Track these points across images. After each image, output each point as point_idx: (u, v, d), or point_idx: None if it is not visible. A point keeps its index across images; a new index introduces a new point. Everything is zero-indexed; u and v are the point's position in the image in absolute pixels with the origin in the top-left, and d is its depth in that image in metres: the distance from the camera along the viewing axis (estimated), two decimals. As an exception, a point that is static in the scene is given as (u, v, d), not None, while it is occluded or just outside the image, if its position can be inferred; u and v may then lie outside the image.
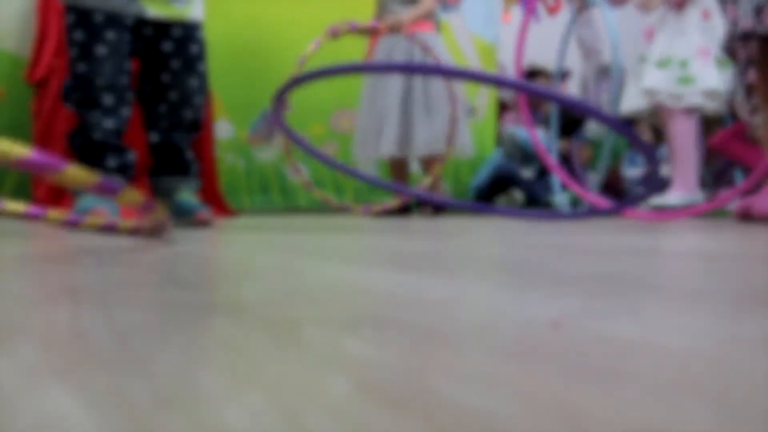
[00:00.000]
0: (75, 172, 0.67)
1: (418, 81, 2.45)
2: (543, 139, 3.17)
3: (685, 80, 2.31)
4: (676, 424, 0.17)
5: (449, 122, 2.39)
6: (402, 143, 2.43)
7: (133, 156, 1.47)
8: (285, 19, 2.94)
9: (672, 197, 2.32)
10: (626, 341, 0.28)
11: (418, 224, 1.72)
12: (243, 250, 0.86)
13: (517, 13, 3.73)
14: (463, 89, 2.66)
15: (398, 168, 2.56)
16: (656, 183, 1.96)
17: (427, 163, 2.53)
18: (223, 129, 2.88)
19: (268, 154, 2.99)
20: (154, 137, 1.52)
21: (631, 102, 2.50)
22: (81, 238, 1.09)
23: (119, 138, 1.44)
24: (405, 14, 2.43)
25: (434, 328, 0.31)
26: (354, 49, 2.69)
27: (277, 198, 2.98)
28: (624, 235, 1.18)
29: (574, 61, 3.85)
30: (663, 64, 2.34)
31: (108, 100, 1.39)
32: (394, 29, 2.42)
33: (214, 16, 2.84)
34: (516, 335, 0.30)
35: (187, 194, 1.54)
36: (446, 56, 2.53)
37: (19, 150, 0.61)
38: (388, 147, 2.42)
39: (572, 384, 0.21)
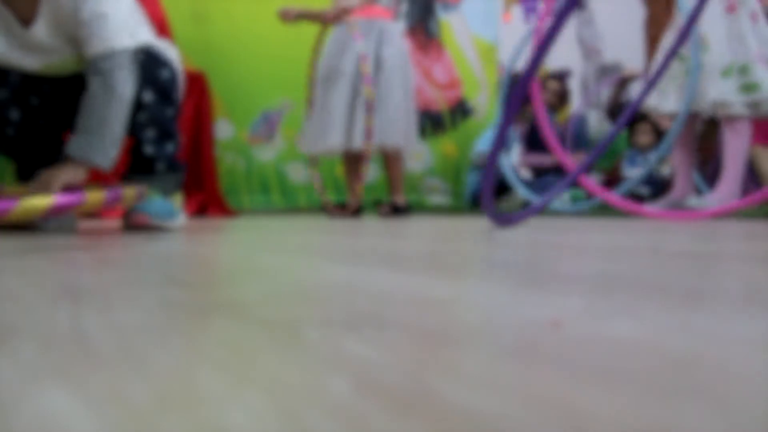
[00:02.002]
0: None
1: (380, 71, 2.38)
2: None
3: (749, 87, 2.21)
4: (676, 424, 0.17)
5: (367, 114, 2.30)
6: (347, 137, 2.33)
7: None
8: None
9: (710, 199, 2.29)
10: (626, 341, 0.28)
11: (418, 226, 1.72)
12: (243, 250, 0.86)
13: (517, 13, 3.73)
14: (414, 84, 2.60)
15: (351, 164, 2.48)
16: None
17: (387, 158, 2.46)
18: (223, 129, 2.88)
19: (268, 154, 2.99)
20: None
21: (669, 104, 2.39)
22: (81, 238, 1.09)
23: (36, 140, 1.34)
24: (350, 1, 2.35)
25: (434, 328, 0.31)
26: (309, 35, 2.66)
27: (277, 198, 2.98)
28: (624, 235, 1.18)
29: (574, 61, 3.86)
30: (727, 72, 2.22)
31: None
32: (339, 18, 2.34)
33: (214, 15, 2.84)
34: (516, 335, 0.30)
35: (150, 193, 1.32)
36: (401, 45, 2.44)
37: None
38: (333, 141, 2.32)
39: (572, 384, 0.21)
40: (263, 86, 2.95)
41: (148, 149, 1.33)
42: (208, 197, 2.50)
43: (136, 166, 1.35)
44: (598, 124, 3.77)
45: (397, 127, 2.35)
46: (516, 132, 3.16)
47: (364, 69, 2.27)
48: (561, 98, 3.50)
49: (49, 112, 1.39)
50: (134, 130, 1.33)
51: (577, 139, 3.45)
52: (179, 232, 1.26)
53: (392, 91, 2.36)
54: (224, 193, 2.69)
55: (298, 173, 3.01)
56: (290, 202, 3.00)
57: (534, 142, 3.28)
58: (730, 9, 2.24)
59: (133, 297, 0.42)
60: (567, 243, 0.95)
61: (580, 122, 3.51)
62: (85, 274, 0.56)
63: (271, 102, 2.98)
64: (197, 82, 2.47)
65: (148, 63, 1.30)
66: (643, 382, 0.21)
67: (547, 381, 0.21)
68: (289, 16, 2.42)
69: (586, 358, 0.25)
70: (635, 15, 3.84)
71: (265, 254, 0.78)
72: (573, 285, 0.48)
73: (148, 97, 1.31)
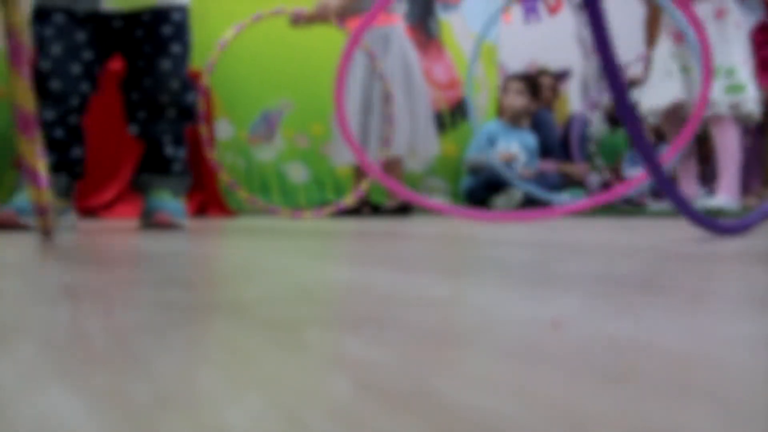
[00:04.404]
0: None
1: (378, 82, 2.35)
2: (523, 159, 3.12)
3: (735, 89, 2.29)
4: (676, 424, 0.17)
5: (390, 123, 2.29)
6: (364, 148, 2.33)
7: (79, 152, 1.39)
8: (286, 17, 2.94)
9: (718, 200, 2.35)
10: (626, 341, 0.28)
11: (417, 226, 1.72)
12: (243, 251, 0.86)
13: (517, 13, 3.73)
14: (430, 90, 2.59)
15: (360, 172, 2.48)
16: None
17: (387, 166, 2.44)
18: (223, 129, 2.88)
19: (268, 154, 2.99)
20: (134, 129, 1.43)
21: (655, 100, 2.46)
22: (82, 238, 1.09)
23: (67, 130, 1.35)
24: (332, 1, 2.29)
25: (434, 328, 0.31)
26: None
27: (277, 198, 2.98)
28: (624, 235, 1.18)
29: (574, 60, 3.86)
30: (713, 74, 2.32)
31: (55, 84, 1.33)
32: (320, 17, 2.28)
33: (215, 15, 2.84)
34: (516, 335, 0.30)
35: (164, 194, 1.40)
36: (404, 47, 2.41)
37: None
38: (350, 155, 2.34)
39: (572, 384, 0.21)
40: (263, 86, 2.95)
41: (169, 150, 1.43)
42: (207, 197, 2.50)
43: (153, 165, 1.43)
44: (598, 125, 3.77)
45: (402, 136, 2.33)
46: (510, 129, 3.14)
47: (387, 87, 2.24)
48: (555, 93, 3.50)
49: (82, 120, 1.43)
50: (152, 134, 1.42)
51: (581, 142, 3.45)
52: (179, 232, 1.26)
53: (394, 100, 2.33)
54: (224, 193, 2.69)
55: (298, 173, 3.01)
56: (290, 202, 3.00)
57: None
58: (719, 14, 2.32)
59: (133, 297, 0.42)
60: (567, 243, 0.95)
61: (583, 125, 3.51)
62: (85, 274, 0.56)
63: (271, 102, 2.98)
64: (197, 82, 2.47)
65: (178, 88, 1.41)
66: (643, 382, 0.21)
67: (547, 381, 0.21)
68: (300, 19, 2.37)
69: (586, 358, 0.25)
70: (635, 15, 3.84)
71: (265, 254, 0.78)
72: (573, 285, 0.48)
73: (171, 113, 1.43)
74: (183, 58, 1.44)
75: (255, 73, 2.93)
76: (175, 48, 1.42)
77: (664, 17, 2.50)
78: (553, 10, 3.82)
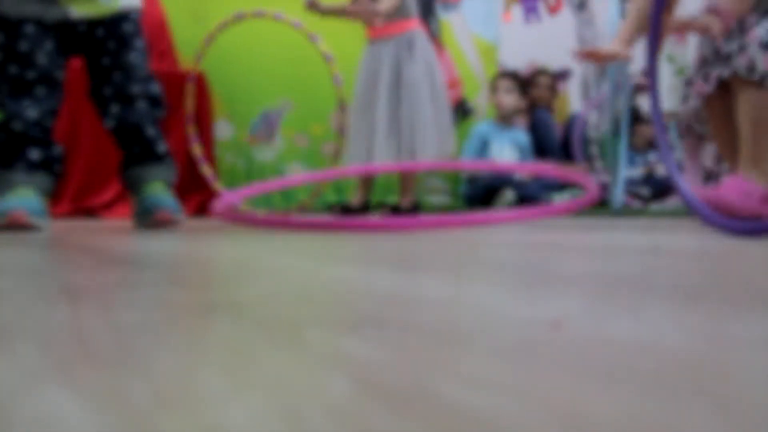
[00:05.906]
0: None
1: (405, 89, 2.34)
2: (516, 158, 3.11)
3: None
4: (676, 424, 0.17)
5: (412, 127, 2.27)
6: (395, 156, 2.31)
7: (59, 150, 1.41)
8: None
9: None
10: (626, 341, 0.28)
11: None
12: (243, 251, 0.86)
13: (517, 13, 3.72)
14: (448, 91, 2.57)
15: (365, 179, 2.47)
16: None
17: (404, 172, 2.44)
18: (223, 129, 2.88)
19: (268, 154, 2.99)
20: (109, 123, 1.45)
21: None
22: (80, 239, 1.09)
23: (44, 131, 1.38)
24: (382, 3, 2.23)
25: (434, 328, 0.31)
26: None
27: (277, 198, 2.98)
28: (623, 234, 1.18)
29: (574, 60, 3.85)
30: None
31: (40, 91, 1.38)
32: (366, 17, 2.25)
33: (214, 15, 2.84)
34: (516, 335, 0.30)
35: (157, 187, 1.43)
36: (426, 51, 2.39)
37: None
38: (380, 159, 2.30)
39: (572, 384, 0.21)
40: (263, 86, 2.95)
41: (150, 131, 1.46)
42: (207, 197, 2.51)
43: (138, 150, 1.46)
44: (597, 125, 3.77)
45: (430, 142, 2.33)
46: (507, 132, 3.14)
47: None
48: (553, 92, 3.50)
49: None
50: (131, 120, 1.44)
51: (582, 142, 3.44)
52: (179, 231, 1.26)
53: (422, 107, 2.31)
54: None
55: (297, 173, 3.01)
56: (290, 203, 3.00)
57: (536, 149, 3.26)
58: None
59: (133, 297, 0.42)
60: (567, 243, 0.95)
61: (584, 125, 3.51)
62: (85, 274, 0.56)
63: (271, 102, 2.98)
64: (197, 82, 2.47)
65: (145, 77, 1.46)
66: (643, 382, 0.21)
67: (547, 381, 0.21)
68: (317, 8, 2.29)
69: (586, 358, 0.25)
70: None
71: (265, 254, 0.78)
72: (573, 285, 0.48)
73: (143, 104, 1.47)
74: (144, 52, 1.51)
75: (255, 73, 2.93)
76: (138, 43, 1.49)
77: (669, 19, 2.47)
78: (553, 10, 3.82)
